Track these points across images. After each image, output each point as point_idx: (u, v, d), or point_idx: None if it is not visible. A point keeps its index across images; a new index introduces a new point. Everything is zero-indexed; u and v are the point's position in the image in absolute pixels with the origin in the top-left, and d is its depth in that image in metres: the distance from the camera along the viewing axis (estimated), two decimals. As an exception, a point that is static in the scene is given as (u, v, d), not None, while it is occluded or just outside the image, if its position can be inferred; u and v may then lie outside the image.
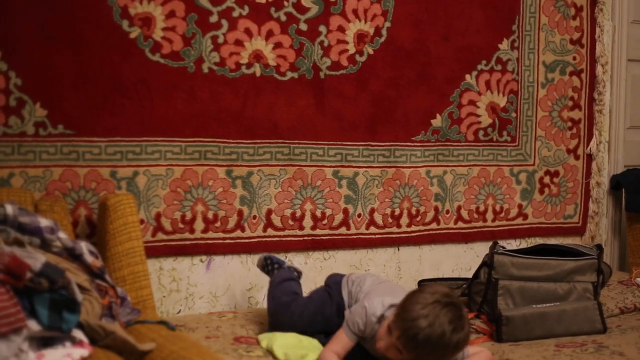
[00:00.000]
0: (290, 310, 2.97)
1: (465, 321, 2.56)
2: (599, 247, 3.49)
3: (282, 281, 3.14)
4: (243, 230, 3.53)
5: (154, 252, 3.34)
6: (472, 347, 2.86)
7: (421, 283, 3.74)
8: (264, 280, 3.50)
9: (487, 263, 3.39)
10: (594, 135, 4.42)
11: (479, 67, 4.05)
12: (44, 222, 2.59)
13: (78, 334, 2.29)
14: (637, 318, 3.56)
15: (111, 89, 3.25)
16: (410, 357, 2.56)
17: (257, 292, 3.48)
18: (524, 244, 4.19)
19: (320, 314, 2.95)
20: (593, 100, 4.40)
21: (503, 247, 3.45)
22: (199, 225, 3.44)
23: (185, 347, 2.36)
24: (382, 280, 3.13)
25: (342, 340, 2.76)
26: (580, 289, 3.36)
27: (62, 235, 2.65)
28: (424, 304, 2.51)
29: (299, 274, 3.29)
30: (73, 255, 2.64)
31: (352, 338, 2.77)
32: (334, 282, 3.14)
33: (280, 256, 3.57)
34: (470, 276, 3.57)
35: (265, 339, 2.92)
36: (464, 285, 3.55)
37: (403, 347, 2.53)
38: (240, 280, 3.55)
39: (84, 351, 2.25)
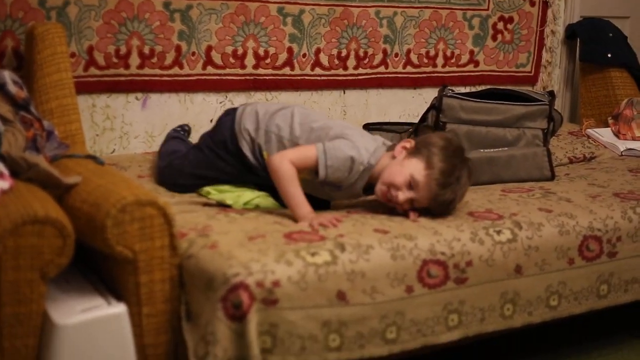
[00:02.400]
0: (165, 178, 2.82)
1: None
2: (551, 94, 3.39)
3: (164, 143, 3.07)
4: (181, 67, 3.37)
5: (86, 87, 3.18)
6: None
7: (367, 127, 3.63)
8: (203, 119, 3.40)
9: (435, 106, 3.27)
10: (552, -18, 4.29)
11: None
12: (-38, 49, 2.44)
13: (-2, 165, 2.17)
14: (586, 167, 3.54)
15: None
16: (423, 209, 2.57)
17: (195, 132, 3.32)
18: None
19: (208, 170, 2.76)
20: (552, -55, 4.26)
21: (452, 90, 3.33)
22: (135, 60, 3.27)
23: (114, 182, 2.23)
24: (307, 112, 2.78)
25: (308, 161, 2.51)
26: (529, 135, 3.27)
27: (-17, 64, 2.51)
28: (451, 170, 2.51)
29: (187, 131, 3.23)
30: (-5, 85, 2.50)
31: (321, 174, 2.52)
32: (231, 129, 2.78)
33: (221, 96, 3.45)
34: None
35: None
36: (410, 130, 3.45)
37: (428, 206, 2.53)
38: (177, 119, 3.41)
39: (4, 183, 2.14)
